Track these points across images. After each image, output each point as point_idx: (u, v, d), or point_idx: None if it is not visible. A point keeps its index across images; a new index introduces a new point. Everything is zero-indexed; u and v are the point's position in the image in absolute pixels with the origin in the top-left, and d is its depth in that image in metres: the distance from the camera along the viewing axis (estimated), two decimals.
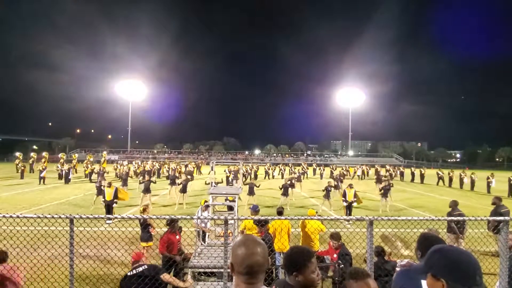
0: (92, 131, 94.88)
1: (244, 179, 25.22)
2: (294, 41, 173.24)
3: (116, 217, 3.44)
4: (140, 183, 15.18)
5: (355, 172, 31.39)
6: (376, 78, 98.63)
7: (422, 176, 27.34)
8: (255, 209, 7.10)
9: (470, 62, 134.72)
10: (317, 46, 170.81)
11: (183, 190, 13.62)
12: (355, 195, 11.46)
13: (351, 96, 66.67)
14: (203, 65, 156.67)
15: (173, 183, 15.17)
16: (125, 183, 16.56)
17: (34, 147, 66.47)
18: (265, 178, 28.85)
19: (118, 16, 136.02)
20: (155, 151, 66.61)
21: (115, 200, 10.48)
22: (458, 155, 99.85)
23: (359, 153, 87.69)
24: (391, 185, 14.60)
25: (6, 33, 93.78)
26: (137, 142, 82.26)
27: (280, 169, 30.33)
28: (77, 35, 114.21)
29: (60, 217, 3.49)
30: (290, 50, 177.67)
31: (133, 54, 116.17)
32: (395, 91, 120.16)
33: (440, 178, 25.83)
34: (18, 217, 3.55)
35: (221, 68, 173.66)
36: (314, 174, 32.81)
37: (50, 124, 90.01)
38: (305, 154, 70.17)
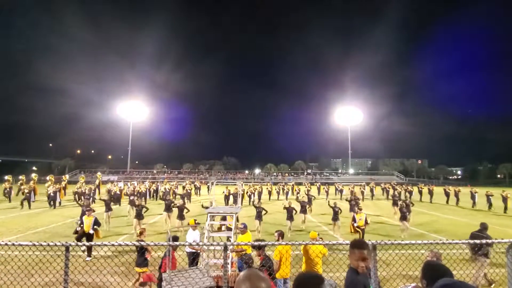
0: (92, 151, 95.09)
1: (249, 200, 23.79)
2: (294, 60, 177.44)
3: (113, 244, 3.36)
4: (131, 205, 14.15)
5: (362, 192, 28.26)
6: (376, 96, 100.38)
7: (431, 194, 25.88)
8: (242, 228, 7.07)
9: (470, 82, 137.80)
10: (317, 65, 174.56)
11: (180, 217, 12.38)
12: (366, 220, 10.40)
13: (350, 114, 67.43)
14: (203, 85, 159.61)
15: (168, 209, 13.41)
16: (109, 208, 13.89)
17: (34, 168, 66.33)
18: (269, 199, 27.33)
19: (118, 38, 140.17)
20: (155, 171, 66.37)
21: (95, 227, 9.46)
22: (459, 172, 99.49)
23: (360, 171, 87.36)
24: (408, 205, 13.21)
25: (8, 55, 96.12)
26: (136, 162, 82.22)
27: (285, 190, 28.69)
28: (77, 57, 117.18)
29: (55, 245, 3.42)
30: (289, 69, 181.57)
31: (133, 75, 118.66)
32: (395, 108, 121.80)
33: (448, 195, 24.52)
34: (13, 244, 3.48)
35: (221, 88, 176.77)
36: (319, 193, 30.97)
37: (50, 145, 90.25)
38: (305, 173, 69.82)
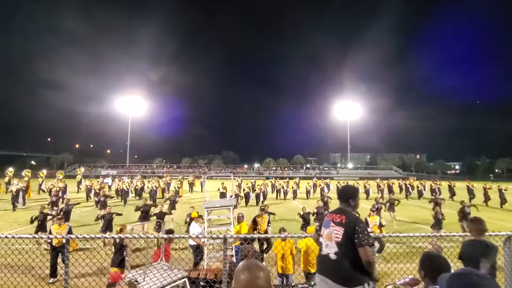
0: (91, 146, 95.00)
1: (257, 201, 19.63)
2: (292, 56, 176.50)
3: (113, 237, 3.37)
4: (98, 218, 10.27)
5: (381, 190, 23.89)
6: (374, 90, 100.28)
7: (451, 191, 22.80)
8: (240, 216, 7.54)
9: (468, 76, 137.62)
10: (316, 60, 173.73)
11: (158, 228, 9.40)
12: (381, 225, 8.65)
13: (349, 109, 67.45)
14: (203, 80, 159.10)
15: (145, 217, 10.31)
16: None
17: (33, 162, 66.24)
18: (277, 198, 23.05)
19: (118, 33, 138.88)
20: (154, 166, 66.44)
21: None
22: (457, 167, 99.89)
23: (358, 165, 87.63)
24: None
25: (6, 50, 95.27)
26: (135, 156, 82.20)
27: (289, 187, 24.03)
28: (77, 51, 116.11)
29: (56, 237, 3.45)
30: (289, 64, 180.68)
31: (133, 70, 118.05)
32: (393, 103, 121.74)
33: (471, 193, 21.33)
34: (13, 237, 3.50)
35: (220, 83, 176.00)
36: (328, 190, 25.14)
37: (49, 139, 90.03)
38: (304, 167, 70.02)
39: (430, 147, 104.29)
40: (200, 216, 7.59)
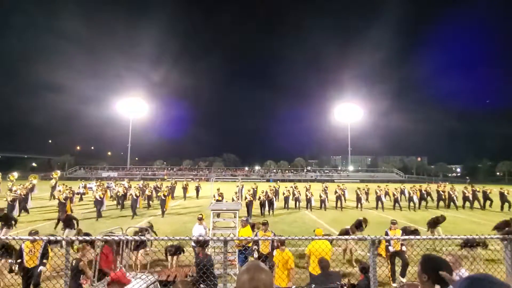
0: (92, 148, 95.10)
1: (262, 210, 16.12)
2: (293, 57, 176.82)
3: (113, 239, 3.37)
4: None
5: (410, 198, 18.54)
6: (375, 93, 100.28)
7: (486, 198, 19.02)
8: (244, 220, 7.47)
9: (470, 78, 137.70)
10: (317, 63, 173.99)
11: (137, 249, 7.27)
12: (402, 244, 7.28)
13: (350, 111, 67.55)
14: (204, 82, 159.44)
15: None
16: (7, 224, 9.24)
17: (33, 164, 66.38)
18: (287, 208, 18.48)
19: (118, 35, 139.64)
20: (155, 168, 66.52)
21: (44, 261, 5.82)
22: (458, 169, 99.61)
23: (359, 168, 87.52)
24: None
25: (7, 53, 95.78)
26: (136, 159, 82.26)
27: (306, 194, 18.50)
28: (77, 53, 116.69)
29: (56, 239, 3.47)
30: (289, 67, 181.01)
31: (133, 72, 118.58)
32: (394, 106, 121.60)
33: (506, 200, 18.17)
34: (13, 239, 3.51)
35: (221, 84, 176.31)
36: (345, 200, 20.11)
37: (50, 141, 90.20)
38: (305, 170, 69.96)
39: (431, 149, 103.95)
40: (201, 219, 7.62)
